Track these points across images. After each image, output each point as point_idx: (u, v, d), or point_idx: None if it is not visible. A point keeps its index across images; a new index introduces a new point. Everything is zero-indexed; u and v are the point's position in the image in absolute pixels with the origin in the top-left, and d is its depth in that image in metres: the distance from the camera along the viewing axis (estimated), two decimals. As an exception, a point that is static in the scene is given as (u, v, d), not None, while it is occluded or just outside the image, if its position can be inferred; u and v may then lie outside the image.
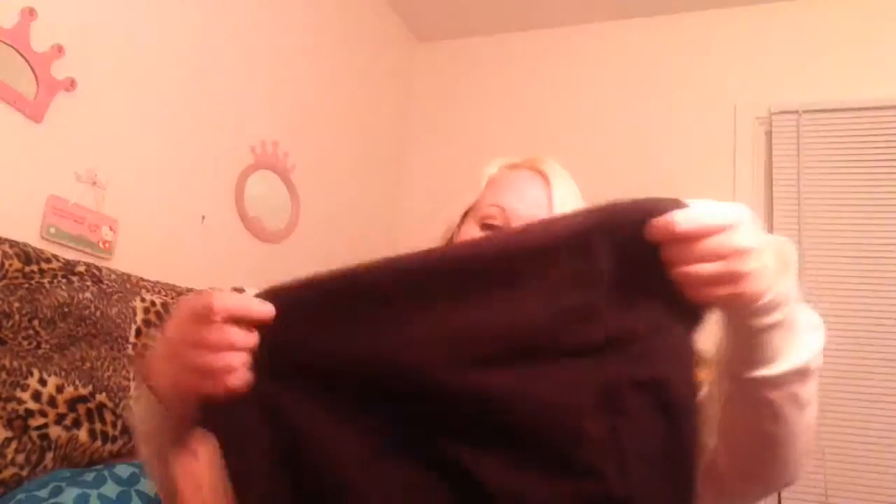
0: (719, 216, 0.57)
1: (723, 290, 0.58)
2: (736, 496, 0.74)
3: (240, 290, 1.78)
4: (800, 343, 0.66)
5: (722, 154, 2.42)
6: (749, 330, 0.62)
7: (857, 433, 2.07)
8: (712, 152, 2.43)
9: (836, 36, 2.37)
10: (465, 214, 0.99)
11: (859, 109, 2.27)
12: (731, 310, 0.62)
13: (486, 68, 2.87)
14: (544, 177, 0.95)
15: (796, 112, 2.33)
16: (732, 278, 0.57)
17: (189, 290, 1.45)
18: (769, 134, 2.38)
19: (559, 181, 0.95)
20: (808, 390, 0.68)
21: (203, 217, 1.84)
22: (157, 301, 1.31)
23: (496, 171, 0.99)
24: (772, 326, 0.62)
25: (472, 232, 0.95)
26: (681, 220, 0.57)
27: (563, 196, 0.94)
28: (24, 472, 1.02)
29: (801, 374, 0.66)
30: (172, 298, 1.36)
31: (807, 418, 0.69)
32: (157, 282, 1.39)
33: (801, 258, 2.23)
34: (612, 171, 2.48)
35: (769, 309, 0.61)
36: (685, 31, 2.59)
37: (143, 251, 1.60)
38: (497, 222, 0.93)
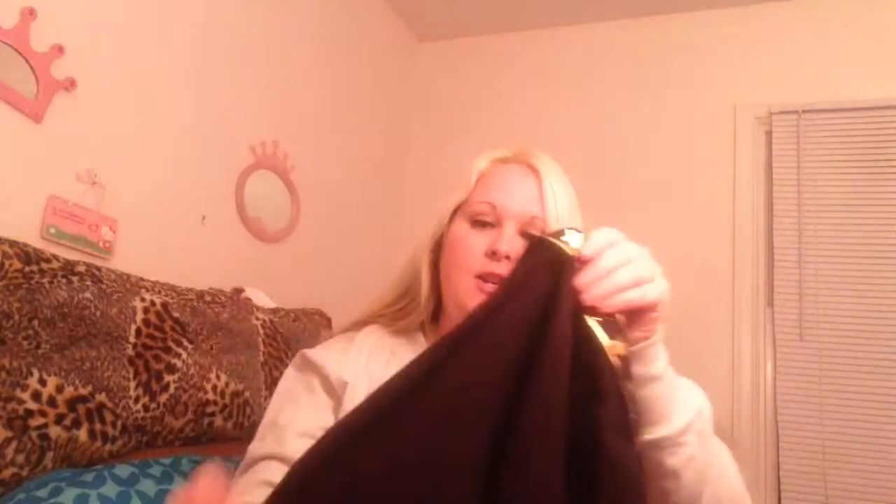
0: (606, 237, 0.67)
1: (628, 295, 0.65)
2: None
3: (240, 290, 1.78)
4: (682, 402, 0.70)
5: (722, 154, 2.42)
6: (640, 382, 0.67)
7: (857, 433, 2.07)
8: (712, 152, 2.43)
9: (836, 36, 2.37)
10: (455, 211, 0.97)
11: (859, 109, 2.27)
12: (634, 323, 0.67)
13: (486, 68, 2.87)
14: (535, 171, 0.94)
15: (796, 112, 2.33)
16: (636, 282, 0.65)
17: (189, 290, 1.45)
18: (769, 134, 2.38)
19: (550, 175, 0.94)
20: (691, 455, 0.69)
21: (203, 217, 1.84)
22: (157, 301, 1.31)
23: (485, 166, 0.98)
24: (655, 379, 0.67)
25: (463, 229, 0.94)
26: (585, 249, 0.66)
27: (554, 190, 0.93)
28: (24, 472, 1.02)
29: (684, 433, 0.68)
30: (172, 298, 1.36)
31: (696, 489, 0.70)
32: (157, 282, 1.39)
33: (801, 258, 2.23)
34: (612, 171, 2.48)
35: (654, 357, 0.67)
36: (685, 31, 2.59)
37: (143, 251, 1.60)
38: (488, 219, 0.92)
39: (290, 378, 0.96)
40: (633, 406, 0.66)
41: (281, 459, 0.86)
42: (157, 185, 1.70)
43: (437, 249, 0.99)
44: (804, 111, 2.32)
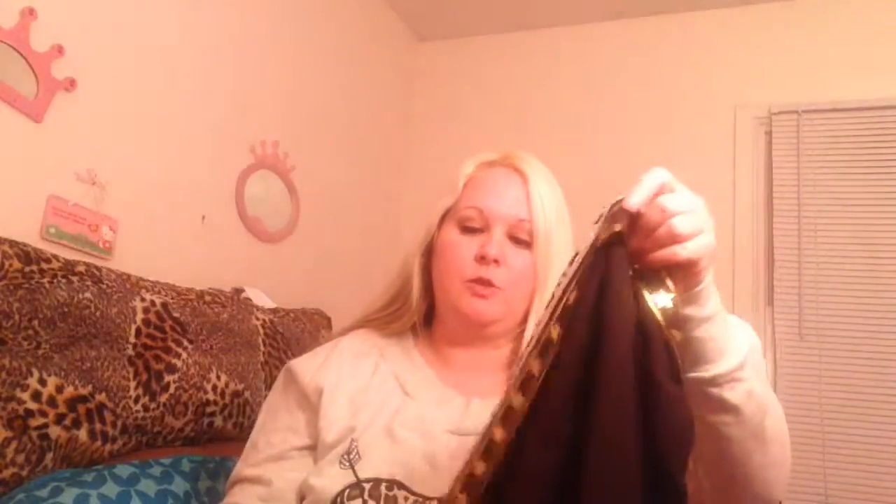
0: (654, 179, 0.64)
1: (671, 249, 0.62)
2: None
3: (240, 290, 1.80)
4: (737, 338, 0.69)
5: (722, 154, 2.42)
6: (689, 324, 0.64)
7: (857, 433, 2.07)
8: (712, 152, 2.43)
9: (836, 36, 2.37)
10: (444, 216, 0.99)
11: (859, 109, 2.27)
12: (678, 276, 0.64)
13: (487, 68, 2.87)
14: (521, 173, 0.96)
15: (796, 112, 2.33)
16: (673, 237, 0.61)
17: (189, 290, 1.45)
18: (769, 134, 2.38)
19: (536, 177, 0.96)
20: (750, 389, 0.69)
21: (203, 217, 1.84)
22: (157, 301, 1.31)
23: (472, 171, 1.00)
24: (708, 320, 0.65)
25: (453, 235, 0.96)
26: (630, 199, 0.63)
27: (540, 192, 0.94)
28: (24, 472, 1.02)
29: (741, 368, 0.67)
30: (172, 298, 1.36)
31: (757, 420, 0.69)
32: (157, 282, 1.39)
33: (801, 258, 2.23)
34: (613, 171, 2.48)
35: (707, 297, 0.65)
36: (685, 31, 2.59)
37: (143, 251, 1.60)
38: (476, 224, 0.94)
39: (274, 394, 0.99)
40: (684, 350, 0.64)
41: (253, 482, 0.91)
42: (157, 185, 1.70)
43: (428, 254, 1.01)
44: (804, 111, 2.32)
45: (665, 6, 2.58)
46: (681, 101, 2.52)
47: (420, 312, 1.01)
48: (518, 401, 0.60)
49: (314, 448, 0.90)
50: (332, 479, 0.84)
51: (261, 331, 1.54)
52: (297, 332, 1.65)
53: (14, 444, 1.01)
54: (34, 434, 1.04)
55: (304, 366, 0.97)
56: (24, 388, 1.04)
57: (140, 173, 1.65)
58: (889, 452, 2.03)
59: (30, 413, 1.04)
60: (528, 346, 0.63)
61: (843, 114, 2.29)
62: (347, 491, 0.82)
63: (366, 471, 0.83)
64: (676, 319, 0.62)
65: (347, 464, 0.84)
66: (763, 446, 0.70)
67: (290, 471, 0.89)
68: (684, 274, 0.63)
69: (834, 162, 2.28)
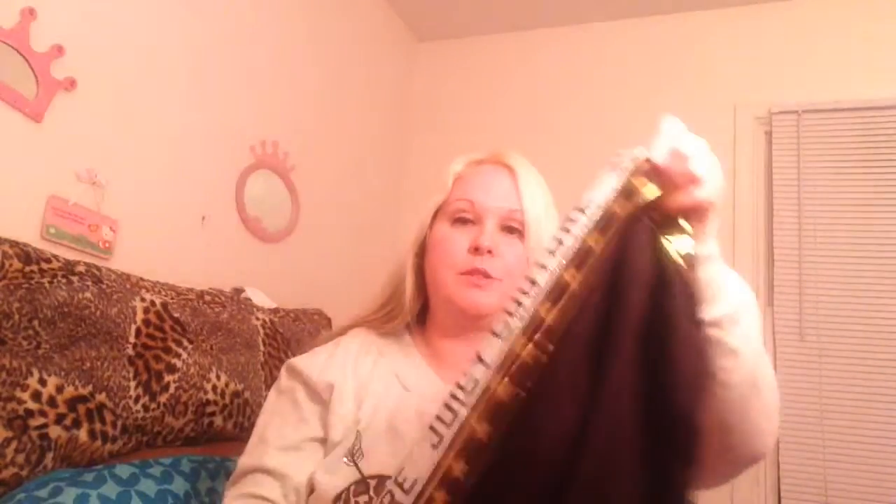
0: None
1: (692, 192, 0.65)
2: (708, 474, 0.74)
3: (240, 290, 1.80)
4: (736, 282, 0.71)
5: (722, 154, 2.39)
6: (697, 262, 0.66)
7: (857, 433, 2.07)
8: (712, 152, 2.43)
9: (836, 36, 2.37)
10: (435, 215, 1.01)
11: (859, 109, 2.27)
12: (693, 218, 0.67)
13: (486, 68, 2.87)
14: (509, 168, 0.98)
15: (796, 112, 2.33)
16: (692, 179, 0.65)
17: (189, 290, 1.45)
18: (769, 134, 2.38)
19: (524, 171, 0.98)
20: (747, 333, 0.70)
21: (203, 217, 1.84)
22: (157, 301, 1.31)
23: (462, 169, 1.02)
24: (710, 259, 0.68)
25: (445, 229, 0.98)
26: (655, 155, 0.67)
27: (529, 185, 0.97)
28: (24, 472, 1.02)
29: (739, 311, 0.69)
30: (172, 298, 1.36)
31: (752, 365, 0.70)
32: (157, 282, 1.39)
33: (801, 258, 2.23)
34: (612, 171, 2.48)
35: (709, 236, 0.67)
36: (685, 30, 2.59)
37: (143, 251, 1.60)
38: (468, 216, 0.96)
39: (278, 390, 0.99)
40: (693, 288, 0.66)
41: (266, 472, 0.90)
42: (157, 185, 1.70)
43: (421, 253, 1.03)
44: (804, 111, 2.32)
45: (665, 6, 2.58)
46: (681, 100, 2.52)
47: (413, 312, 1.02)
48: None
49: (325, 441, 0.92)
50: (338, 475, 0.85)
51: (261, 331, 1.54)
52: (297, 332, 1.65)
53: (14, 444, 1.01)
54: (34, 434, 1.04)
55: (310, 362, 0.98)
56: (24, 388, 1.04)
57: (140, 173, 1.64)
58: (889, 452, 2.03)
59: (30, 413, 1.04)
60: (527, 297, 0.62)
61: (843, 114, 2.29)
62: (353, 487, 0.83)
63: (370, 467, 0.85)
64: (692, 262, 0.64)
65: (351, 461, 0.86)
66: (759, 393, 0.71)
67: (306, 460, 0.90)
68: (699, 216, 0.66)
69: (834, 162, 2.28)
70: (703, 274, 0.67)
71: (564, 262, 0.61)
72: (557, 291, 0.60)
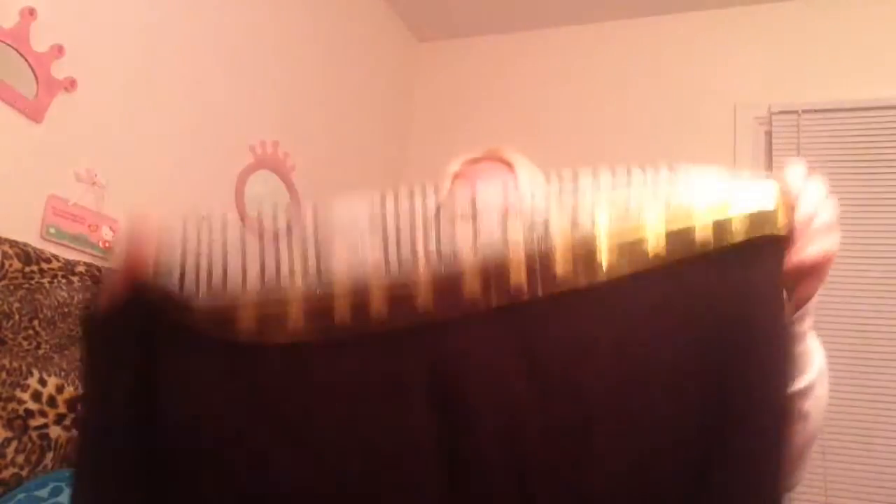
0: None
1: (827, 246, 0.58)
2: None
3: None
4: (818, 346, 0.68)
5: (722, 154, 2.42)
6: (799, 339, 0.62)
7: (857, 433, 2.06)
8: (712, 152, 2.43)
9: (836, 36, 2.37)
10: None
11: (859, 109, 2.27)
12: (809, 277, 0.60)
13: (486, 68, 2.87)
14: (507, 164, 0.97)
15: (796, 112, 2.33)
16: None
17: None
18: (769, 134, 2.38)
19: (522, 167, 0.97)
20: (820, 394, 0.69)
21: (203, 217, 1.83)
22: (157, 301, 1.31)
23: (459, 168, 1.01)
24: (808, 334, 0.64)
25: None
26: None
27: (529, 176, 0.95)
28: (24, 472, 1.02)
29: (819, 376, 0.67)
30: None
31: (815, 428, 0.69)
32: (157, 282, 1.39)
33: (801, 258, 2.23)
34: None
35: (811, 313, 0.61)
36: (685, 31, 2.59)
37: (143, 251, 1.60)
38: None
39: None
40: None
41: None
42: (157, 185, 1.69)
43: None
44: (804, 111, 2.32)
45: (665, 6, 2.58)
46: (681, 100, 2.52)
47: None
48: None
49: None
50: None
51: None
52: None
53: (14, 444, 1.01)
54: (34, 434, 1.04)
55: None
56: (25, 388, 1.04)
57: (140, 173, 1.64)
58: (889, 453, 2.03)
59: (30, 413, 1.04)
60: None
61: (843, 114, 2.29)
62: None
63: None
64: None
65: None
66: (812, 445, 0.70)
67: None
68: (814, 278, 0.60)
69: (834, 162, 2.28)
70: (803, 348, 0.63)
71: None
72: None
